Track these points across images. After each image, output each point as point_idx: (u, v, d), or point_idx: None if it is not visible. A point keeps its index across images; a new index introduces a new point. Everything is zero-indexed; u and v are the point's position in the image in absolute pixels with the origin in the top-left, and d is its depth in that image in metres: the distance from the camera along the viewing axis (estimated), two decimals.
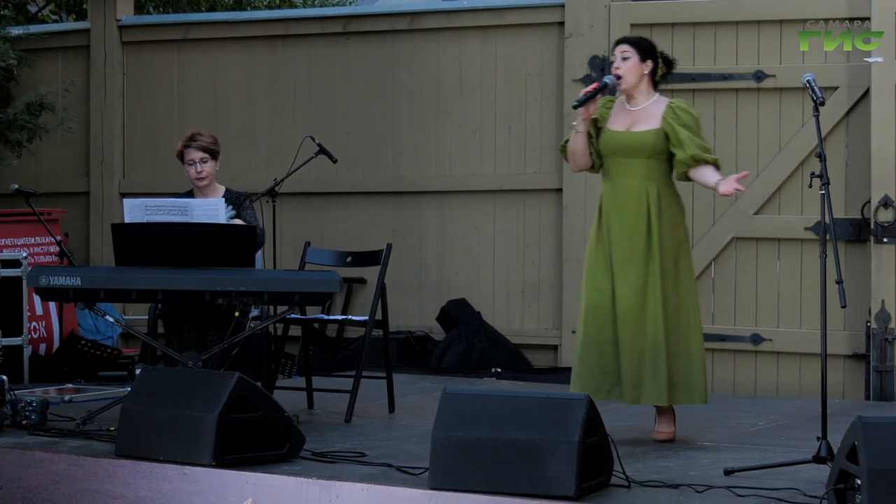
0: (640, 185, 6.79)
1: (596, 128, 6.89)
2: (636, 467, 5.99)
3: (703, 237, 9.40)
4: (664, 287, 6.74)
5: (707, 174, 6.74)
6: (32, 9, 14.79)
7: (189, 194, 7.81)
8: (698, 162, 6.73)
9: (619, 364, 6.74)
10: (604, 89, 6.78)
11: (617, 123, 6.85)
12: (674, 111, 6.79)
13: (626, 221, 6.78)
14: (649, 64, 6.85)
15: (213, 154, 7.75)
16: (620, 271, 6.77)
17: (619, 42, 6.94)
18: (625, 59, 6.83)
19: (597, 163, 6.93)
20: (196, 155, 7.70)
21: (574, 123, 6.87)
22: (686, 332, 6.79)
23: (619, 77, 6.81)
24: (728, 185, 6.59)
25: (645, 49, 6.87)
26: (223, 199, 7.35)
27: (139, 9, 13.12)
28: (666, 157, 6.81)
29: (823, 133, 6.70)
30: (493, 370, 9.56)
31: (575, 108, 6.75)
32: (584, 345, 6.84)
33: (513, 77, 10.10)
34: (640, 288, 6.74)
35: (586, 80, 9.65)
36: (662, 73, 6.93)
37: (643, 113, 6.84)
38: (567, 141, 6.96)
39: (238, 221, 7.67)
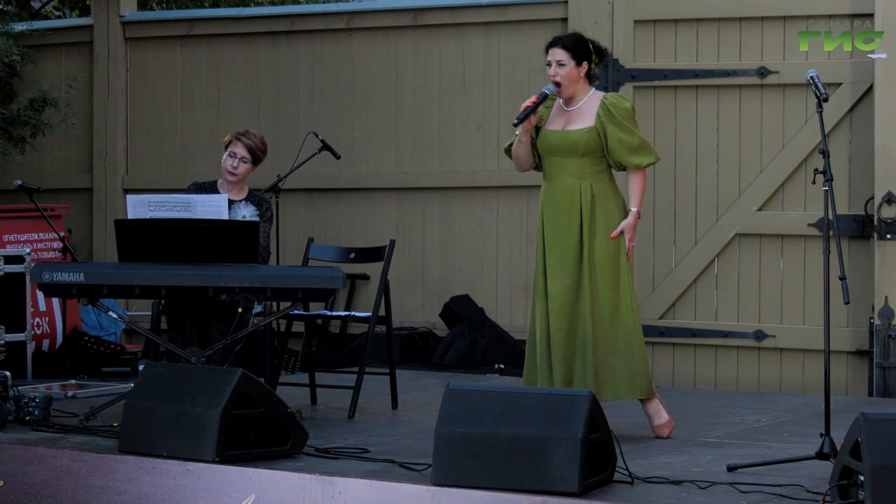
0: (573, 183, 6.80)
1: (536, 129, 6.92)
2: (639, 463, 5.99)
3: (706, 233, 9.40)
4: (599, 285, 6.75)
5: (630, 190, 6.84)
6: (36, 4, 14.80)
7: (213, 185, 7.80)
8: (625, 168, 6.82)
9: (552, 363, 6.75)
10: (544, 100, 6.82)
11: (553, 123, 6.88)
12: (607, 108, 6.79)
13: (559, 220, 6.81)
14: (585, 66, 6.85)
15: (256, 158, 7.73)
16: (553, 269, 6.80)
17: (552, 46, 6.88)
18: (561, 65, 6.81)
19: (539, 163, 6.98)
20: (240, 151, 7.69)
21: (517, 133, 6.87)
22: (626, 330, 6.79)
23: (557, 85, 6.82)
24: (622, 229, 6.75)
25: (579, 52, 6.83)
26: (226, 196, 7.34)
27: (142, 5, 13.13)
28: (601, 155, 6.82)
29: (827, 129, 6.72)
30: (497, 366, 9.57)
31: (515, 125, 6.81)
32: (530, 345, 6.90)
33: (516, 73, 10.09)
34: (572, 287, 6.75)
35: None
36: (596, 63, 6.92)
37: (578, 112, 6.85)
38: (511, 144, 6.98)
39: (256, 218, 7.65)
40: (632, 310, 6.81)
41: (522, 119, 6.78)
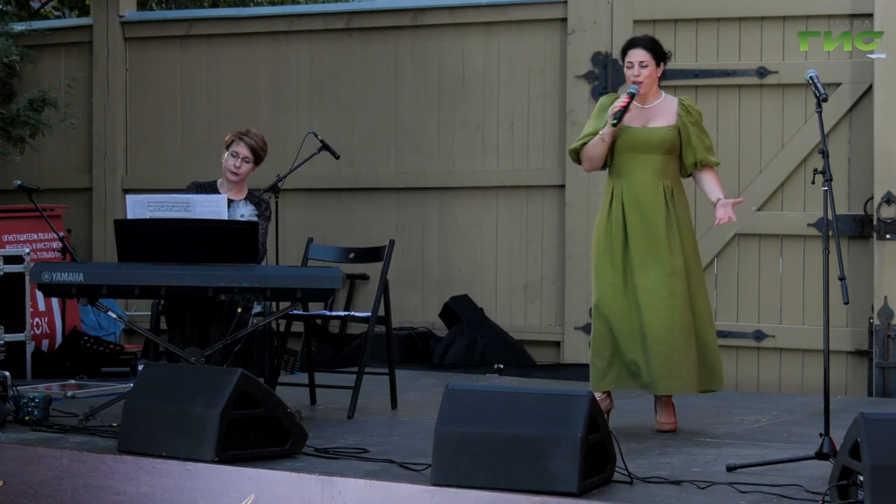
0: (656, 180, 6.96)
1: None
2: (638, 463, 5.99)
3: (705, 233, 9.39)
4: (688, 279, 6.91)
5: (709, 185, 7.06)
6: (35, 4, 14.79)
7: (212, 185, 7.80)
8: (703, 166, 7.02)
9: (646, 356, 6.83)
10: (632, 100, 6.87)
11: (632, 121, 6.95)
12: (686, 109, 7.00)
13: (644, 216, 6.92)
14: (661, 67, 7.01)
15: (258, 158, 7.73)
16: (643, 266, 6.89)
17: (632, 46, 7.00)
18: (644, 66, 6.91)
19: (607, 161, 7.03)
20: (243, 151, 7.68)
21: (601, 132, 6.90)
22: (705, 321, 6.97)
23: (639, 83, 6.91)
24: (724, 213, 6.91)
25: (658, 53, 6.99)
26: (225, 196, 7.34)
27: (142, 5, 13.13)
28: (677, 154, 7.01)
29: (826, 129, 6.71)
30: (496, 366, 9.56)
31: (615, 125, 6.83)
32: (599, 340, 6.93)
33: (515, 73, 10.10)
34: (665, 281, 6.86)
35: (589, 77, 9.66)
36: (664, 64, 7.10)
37: (655, 111, 6.99)
38: (582, 145, 7.00)
39: (254, 217, 7.65)
40: (707, 301, 7.02)
41: (620, 118, 6.81)
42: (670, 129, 6.94)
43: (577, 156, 7.08)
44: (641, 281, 6.87)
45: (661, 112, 6.98)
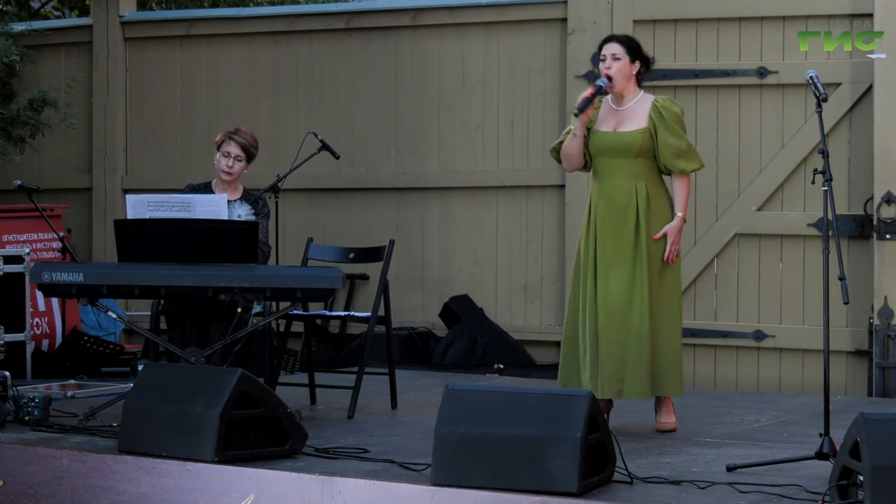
0: (628, 184, 6.88)
1: (587, 130, 6.95)
2: (638, 463, 5.99)
3: (705, 233, 9.40)
4: (651, 284, 6.82)
5: (675, 194, 6.96)
6: (35, 4, 14.80)
7: (207, 186, 7.80)
8: (670, 171, 6.92)
9: (599, 359, 6.81)
10: (599, 92, 6.87)
11: (604, 124, 6.93)
12: (658, 111, 6.88)
13: (614, 220, 6.87)
14: (637, 64, 6.94)
15: (249, 156, 7.74)
16: (606, 268, 6.86)
17: (607, 41, 6.99)
18: (616, 59, 6.88)
19: (589, 163, 7.03)
20: (234, 150, 7.69)
21: (572, 127, 6.92)
22: (668, 328, 6.88)
23: (610, 78, 6.87)
24: (672, 245, 6.84)
25: (634, 49, 6.94)
26: (225, 196, 7.34)
27: (142, 5, 13.13)
28: (653, 156, 6.92)
29: (826, 129, 6.71)
30: (496, 366, 9.56)
31: (576, 115, 6.84)
32: (570, 342, 6.96)
33: (515, 73, 10.10)
34: (626, 284, 6.82)
35: (589, 77, 9.65)
36: (645, 69, 7.03)
37: (629, 113, 6.91)
38: (560, 143, 7.02)
39: (251, 217, 7.65)
40: (676, 307, 6.91)
41: (582, 109, 6.80)
42: (640, 133, 6.85)
43: (557, 155, 7.07)
44: (603, 285, 6.84)
45: (635, 114, 6.89)
